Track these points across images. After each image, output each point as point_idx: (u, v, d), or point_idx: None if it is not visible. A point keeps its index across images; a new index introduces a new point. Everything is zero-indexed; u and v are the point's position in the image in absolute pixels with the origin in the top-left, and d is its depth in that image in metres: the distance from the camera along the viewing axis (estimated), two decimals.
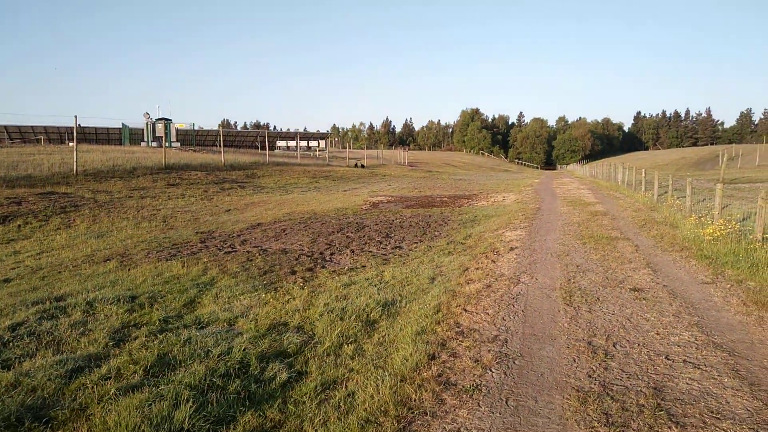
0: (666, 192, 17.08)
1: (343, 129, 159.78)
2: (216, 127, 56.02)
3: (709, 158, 62.22)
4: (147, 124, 36.31)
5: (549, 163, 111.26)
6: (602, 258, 8.01)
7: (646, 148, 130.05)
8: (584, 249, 8.73)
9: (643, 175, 18.01)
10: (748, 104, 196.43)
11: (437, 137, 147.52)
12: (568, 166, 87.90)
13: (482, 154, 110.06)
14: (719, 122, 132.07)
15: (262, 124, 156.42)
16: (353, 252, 9.47)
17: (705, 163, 59.04)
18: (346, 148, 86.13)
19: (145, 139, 36.47)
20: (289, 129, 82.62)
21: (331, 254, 9.32)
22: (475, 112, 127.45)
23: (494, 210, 14.88)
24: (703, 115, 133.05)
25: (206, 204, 16.22)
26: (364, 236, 11.04)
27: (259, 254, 9.16)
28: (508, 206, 15.73)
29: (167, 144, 36.53)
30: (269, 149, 51.05)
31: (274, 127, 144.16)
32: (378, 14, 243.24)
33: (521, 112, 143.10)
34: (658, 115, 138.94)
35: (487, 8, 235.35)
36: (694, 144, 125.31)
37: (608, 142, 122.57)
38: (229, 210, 15.25)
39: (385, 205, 16.52)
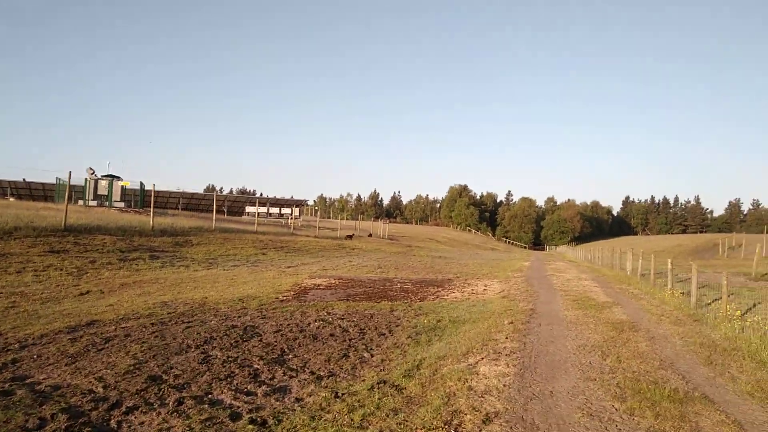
0: (692, 288, 12.77)
1: (330, 199, 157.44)
2: (197, 190, 51.89)
3: (706, 247, 58.71)
4: (87, 180, 32.01)
5: (537, 243, 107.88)
6: None
7: (635, 233, 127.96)
8: None
9: (669, 266, 13.68)
10: (737, 194, 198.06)
11: (425, 212, 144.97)
12: (558, 247, 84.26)
13: (469, 230, 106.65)
14: (708, 210, 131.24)
15: (248, 190, 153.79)
16: (179, 405, 4.83)
17: (704, 251, 55.40)
18: (330, 218, 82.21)
19: (85, 196, 32.03)
20: (275, 196, 78.87)
21: (132, 409, 4.68)
22: (463, 189, 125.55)
23: (469, 309, 10.34)
24: (692, 202, 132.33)
25: (64, 281, 11.53)
26: (236, 359, 6.39)
27: None
28: (490, 304, 11.21)
29: (107, 204, 32.20)
30: (227, 214, 46.81)
31: (261, 194, 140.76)
32: (369, 89, 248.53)
33: (509, 191, 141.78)
34: (647, 200, 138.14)
35: (477, 88, 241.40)
36: (683, 231, 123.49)
37: (597, 225, 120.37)
38: (87, 293, 10.57)
39: (319, 292, 11.92)
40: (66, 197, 19.50)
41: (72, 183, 35.60)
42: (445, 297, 12.13)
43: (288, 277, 14.38)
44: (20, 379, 5.39)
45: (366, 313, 9.49)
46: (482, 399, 4.92)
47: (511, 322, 8.76)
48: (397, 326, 8.64)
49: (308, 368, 6.23)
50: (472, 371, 5.88)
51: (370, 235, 46.89)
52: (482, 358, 6.49)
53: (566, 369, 6.02)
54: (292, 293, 11.42)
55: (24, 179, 41.24)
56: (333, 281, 14.09)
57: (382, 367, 6.35)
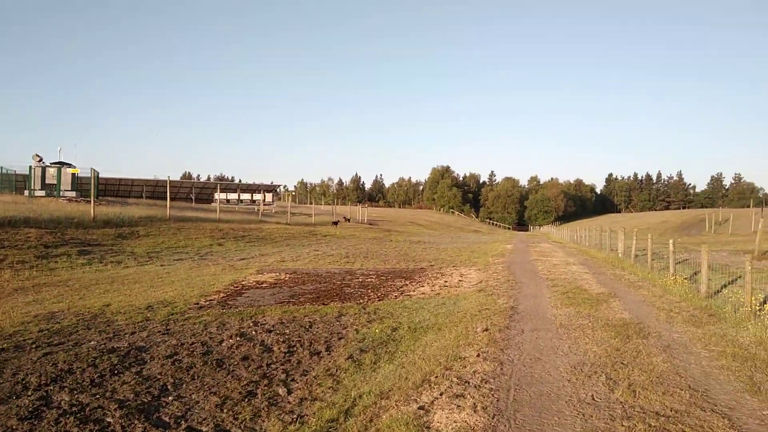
0: (696, 273, 11.04)
1: (311, 184, 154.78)
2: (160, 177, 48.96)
3: (693, 222, 57.77)
4: (33, 168, 29.37)
5: (521, 224, 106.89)
6: None
7: (619, 211, 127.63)
8: None
9: (671, 247, 11.89)
10: (718, 169, 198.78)
11: (408, 194, 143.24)
12: (542, 227, 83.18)
13: (452, 212, 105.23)
14: (691, 186, 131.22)
15: (227, 177, 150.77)
16: None
17: (690, 227, 54.42)
18: (309, 204, 79.89)
19: (30, 186, 29.43)
20: (252, 182, 76.44)
21: None
22: (446, 170, 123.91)
23: (436, 311, 8.43)
24: (675, 178, 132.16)
25: None
26: (85, 407, 4.40)
27: None
28: (463, 300, 9.32)
29: (56, 193, 29.63)
30: (195, 201, 44.44)
31: (240, 180, 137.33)
32: (348, 70, 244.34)
33: (492, 171, 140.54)
34: (629, 177, 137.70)
35: (456, 66, 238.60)
36: (666, 207, 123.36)
37: (581, 203, 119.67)
38: None
39: (258, 292, 9.89)
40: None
41: (18, 171, 33.08)
42: (411, 293, 10.19)
43: (230, 274, 12.33)
44: None
45: (305, 322, 7.51)
46: None
47: (486, 329, 6.85)
48: (340, 339, 6.69)
49: (187, 420, 4.26)
50: (422, 422, 3.96)
51: (348, 220, 44.93)
52: (441, 394, 4.57)
53: (560, 412, 4.11)
54: (222, 295, 9.37)
55: None
56: (283, 276, 12.08)
57: (296, 414, 4.40)
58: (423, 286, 11.08)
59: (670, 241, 11.96)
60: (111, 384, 4.96)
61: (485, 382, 4.85)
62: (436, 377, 5.06)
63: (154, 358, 5.71)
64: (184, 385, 5.00)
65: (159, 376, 5.20)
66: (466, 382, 4.89)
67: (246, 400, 4.71)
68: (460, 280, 12.07)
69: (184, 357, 5.78)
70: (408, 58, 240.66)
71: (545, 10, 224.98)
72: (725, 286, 11.05)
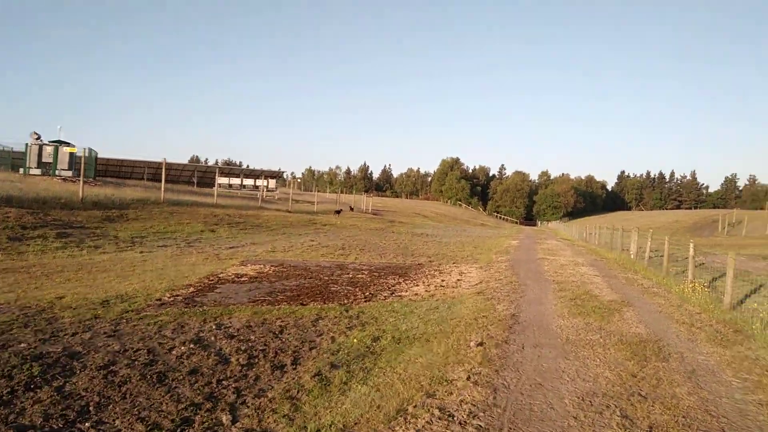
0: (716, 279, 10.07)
1: (318, 172, 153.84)
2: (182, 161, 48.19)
3: (705, 223, 56.27)
4: (29, 146, 28.67)
5: (529, 219, 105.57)
6: None
7: (629, 209, 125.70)
8: None
9: (691, 251, 10.88)
10: (733, 170, 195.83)
11: (415, 185, 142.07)
12: (550, 223, 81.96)
13: (460, 204, 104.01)
14: (704, 186, 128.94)
15: (235, 162, 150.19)
16: None
17: (702, 228, 52.99)
18: (313, 191, 79.09)
19: (26, 164, 28.76)
20: (260, 167, 75.51)
21: None
22: (455, 162, 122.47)
23: (426, 316, 7.52)
24: (688, 177, 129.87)
25: None
26: None
27: None
28: (459, 305, 8.40)
29: (51, 172, 28.94)
30: (198, 185, 43.72)
31: (247, 165, 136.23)
32: (359, 62, 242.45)
33: (503, 165, 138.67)
34: (642, 175, 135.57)
35: (470, 59, 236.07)
36: (678, 206, 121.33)
37: (591, 200, 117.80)
38: None
39: (233, 287, 9.01)
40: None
41: (16, 149, 32.39)
42: (403, 293, 9.28)
43: (211, 264, 11.47)
44: None
45: (275, 326, 6.63)
46: None
47: (481, 343, 5.94)
48: (311, 350, 5.80)
49: None
50: None
51: (352, 209, 44.10)
52: None
53: None
54: (192, 290, 8.49)
55: None
56: (268, 269, 11.20)
57: None
58: (417, 286, 10.17)
59: (690, 243, 10.94)
60: (21, 402, 4.10)
61: (473, 417, 3.96)
62: (415, 407, 4.17)
63: (86, 368, 4.84)
64: (110, 407, 4.13)
65: (83, 393, 4.34)
66: (450, 416, 3.99)
67: (179, 430, 3.84)
68: (458, 280, 11.15)
69: (122, 368, 4.91)
70: (421, 48, 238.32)
71: (558, 12, 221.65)
72: (748, 295, 10.09)
